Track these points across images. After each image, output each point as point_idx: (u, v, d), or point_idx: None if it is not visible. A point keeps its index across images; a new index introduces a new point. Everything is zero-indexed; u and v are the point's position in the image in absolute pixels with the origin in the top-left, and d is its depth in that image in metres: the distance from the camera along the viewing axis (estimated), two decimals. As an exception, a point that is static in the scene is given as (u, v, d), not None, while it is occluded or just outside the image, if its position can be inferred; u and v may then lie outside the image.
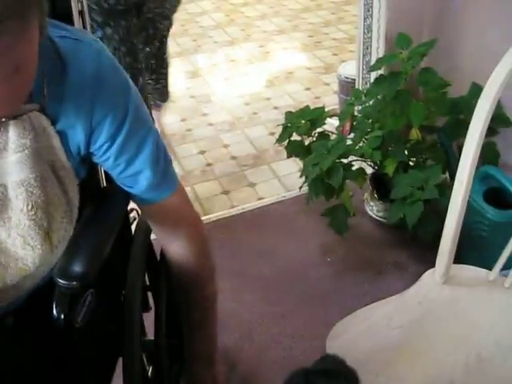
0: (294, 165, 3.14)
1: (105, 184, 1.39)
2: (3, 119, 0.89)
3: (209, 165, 3.36)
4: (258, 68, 4.64)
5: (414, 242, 2.44)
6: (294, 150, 2.58)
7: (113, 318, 1.40)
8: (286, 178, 3.15)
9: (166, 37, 3.23)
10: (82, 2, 1.28)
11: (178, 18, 5.60)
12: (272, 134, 3.57)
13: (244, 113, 3.93)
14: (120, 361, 1.35)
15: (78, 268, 1.06)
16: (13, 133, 1.01)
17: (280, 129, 2.64)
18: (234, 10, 5.83)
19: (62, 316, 1.05)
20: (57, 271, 1.07)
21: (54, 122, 1.05)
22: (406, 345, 1.41)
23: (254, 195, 3.05)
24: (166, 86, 3.40)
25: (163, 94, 3.42)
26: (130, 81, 1.16)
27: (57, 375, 1.20)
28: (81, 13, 1.28)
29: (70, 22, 1.26)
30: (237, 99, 4.13)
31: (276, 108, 3.95)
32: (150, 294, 1.59)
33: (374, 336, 1.45)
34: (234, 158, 3.42)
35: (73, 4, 1.25)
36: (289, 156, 2.63)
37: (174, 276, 1.40)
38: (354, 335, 1.48)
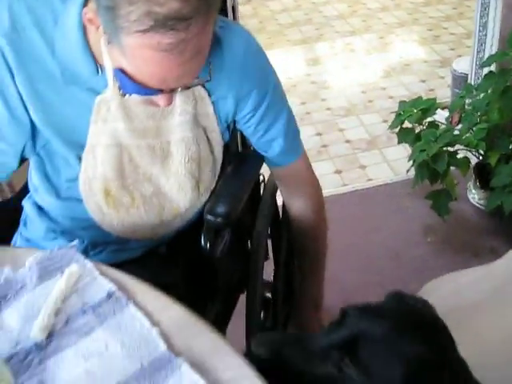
0: (404, 151, 3.26)
1: (241, 148, 1.67)
2: (179, 89, 1.16)
3: (324, 146, 3.57)
4: (377, 58, 4.76)
5: (511, 230, 2.59)
6: (405, 136, 2.72)
7: (238, 261, 1.67)
8: (395, 163, 3.31)
9: None
10: (234, -1, 1.56)
11: (302, 6, 5.90)
12: (385, 121, 3.69)
13: (360, 100, 4.09)
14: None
15: (222, 208, 1.34)
16: (179, 100, 1.28)
17: (393, 117, 2.81)
18: (356, 2, 5.92)
19: (208, 245, 1.34)
20: (206, 210, 1.35)
21: (209, 94, 1.32)
22: (489, 307, 1.58)
23: (364, 176, 3.25)
24: None
25: None
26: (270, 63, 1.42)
27: (197, 294, 1.48)
28: (233, 7, 1.55)
29: (225, 14, 1.53)
30: (354, 87, 4.29)
31: (391, 97, 4.07)
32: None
33: (459, 297, 1.63)
34: (348, 141, 3.60)
35: (228, 0, 1.53)
36: (399, 142, 2.77)
37: (293, 228, 1.64)
38: (441, 295, 1.65)
